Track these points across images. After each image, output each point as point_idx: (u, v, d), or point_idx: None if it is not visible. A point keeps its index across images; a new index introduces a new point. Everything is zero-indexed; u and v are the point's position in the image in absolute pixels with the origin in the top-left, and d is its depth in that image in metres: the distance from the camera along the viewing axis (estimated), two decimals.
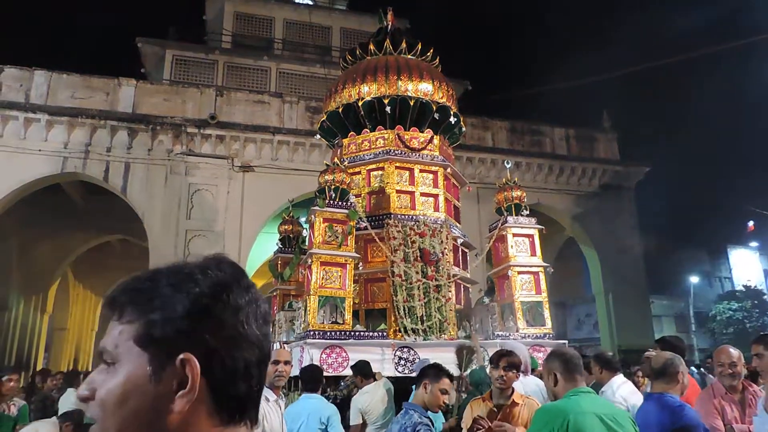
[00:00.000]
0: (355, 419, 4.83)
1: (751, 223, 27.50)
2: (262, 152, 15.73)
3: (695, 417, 3.01)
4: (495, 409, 3.69)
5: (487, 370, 4.20)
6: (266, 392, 3.57)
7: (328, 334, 6.68)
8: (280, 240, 10.09)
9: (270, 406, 3.51)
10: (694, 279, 26.93)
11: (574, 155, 18.72)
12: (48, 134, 14.12)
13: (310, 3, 21.95)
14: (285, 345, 3.91)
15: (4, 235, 16.01)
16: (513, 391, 3.72)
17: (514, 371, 3.75)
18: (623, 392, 3.88)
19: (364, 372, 5.27)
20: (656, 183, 20.38)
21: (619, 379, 4.06)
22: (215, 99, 15.77)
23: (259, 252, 15.69)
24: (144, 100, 15.29)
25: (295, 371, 6.82)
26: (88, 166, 14.38)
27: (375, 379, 5.28)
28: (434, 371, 3.58)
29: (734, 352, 3.73)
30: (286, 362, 3.72)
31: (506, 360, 3.75)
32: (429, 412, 3.49)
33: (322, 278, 7.00)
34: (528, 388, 4.43)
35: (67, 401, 7.16)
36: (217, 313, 0.70)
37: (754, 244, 29.55)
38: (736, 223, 28.23)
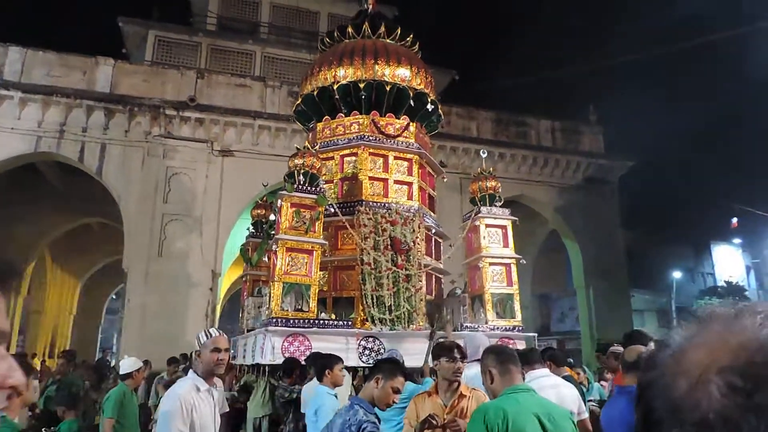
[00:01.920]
0: (304, 408, 4.73)
1: (734, 220, 27.59)
2: (243, 137, 15.47)
3: None
4: (442, 403, 3.57)
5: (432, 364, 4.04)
6: (197, 381, 3.40)
7: (291, 321, 6.54)
8: (252, 224, 9.95)
9: (201, 396, 3.33)
10: (676, 274, 27.05)
11: (559, 148, 18.63)
12: (21, 112, 13.76)
13: None
14: (220, 332, 3.73)
15: None
16: (459, 384, 3.60)
17: (464, 361, 3.65)
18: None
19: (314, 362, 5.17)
20: (640, 178, 20.38)
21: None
22: (195, 81, 15.46)
23: (238, 239, 15.48)
24: (122, 80, 14.96)
25: (258, 359, 6.70)
26: (63, 146, 14.05)
27: None
28: (389, 366, 3.31)
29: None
30: (226, 350, 3.57)
31: (459, 351, 3.63)
32: (376, 409, 3.33)
33: (288, 264, 6.85)
34: None
35: None
36: None
37: (737, 240, 29.73)
38: (720, 220, 28.35)
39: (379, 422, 3.29)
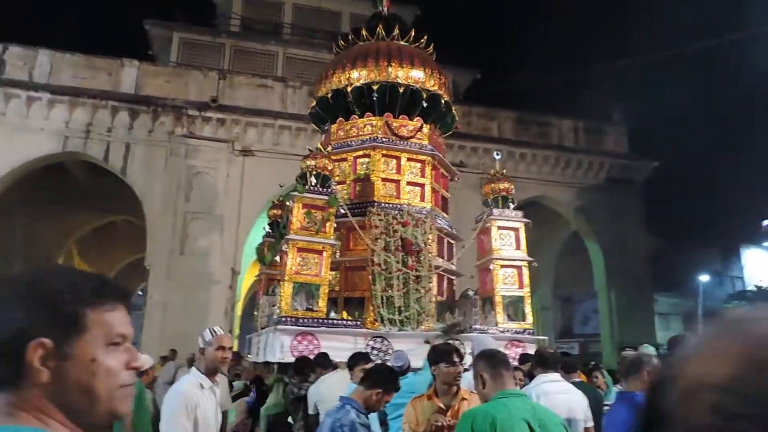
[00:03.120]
0: (310, 409, 4.80)
1: (765, 222, 26.87)
2: (264, 137, 15.68)
3: None
4: (443, 406, 3.57)
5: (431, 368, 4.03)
6: (200, 378, 3.50)
7: (301, 321, 6.63)
8: (269, 224, 10.08)
9: (204, 393, 3.43)
10: (704, 277, 26.45)
11: (582, 147, 18.40)
12: (50, 113, 14.22)
13: None
14: (221, 329, 3.83)
15: (9, 214, 16.21)
16: (459, 388, 3.60)
17: (462, 364, 3.65)
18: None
19: (320, 363, 5.24)
20: (667, 178, 19.98)
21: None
22: (218, 82, 15.72)
23: (259, 237, 15.67)
24: (147, 81, 15.31)
25: (268, 357, 6.81)
26: (89, 146, 14.46)
27: (334, 369, 5.23)
28: (391, 384, 3.37)
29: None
30: (230, 348, 3.69)
31: (458, 354, 3.63)
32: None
33: (299, 264, 6.94)
34: None
35: None
36: None
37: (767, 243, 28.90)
38: (750, 222, 27.63)
39: (369, 428, 3.32)
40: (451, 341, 6.80)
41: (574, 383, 4.81)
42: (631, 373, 3.27)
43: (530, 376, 4.52)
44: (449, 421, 3.44)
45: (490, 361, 2.83)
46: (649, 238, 18.63)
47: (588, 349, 23.13)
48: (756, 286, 26.41)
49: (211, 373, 3.56)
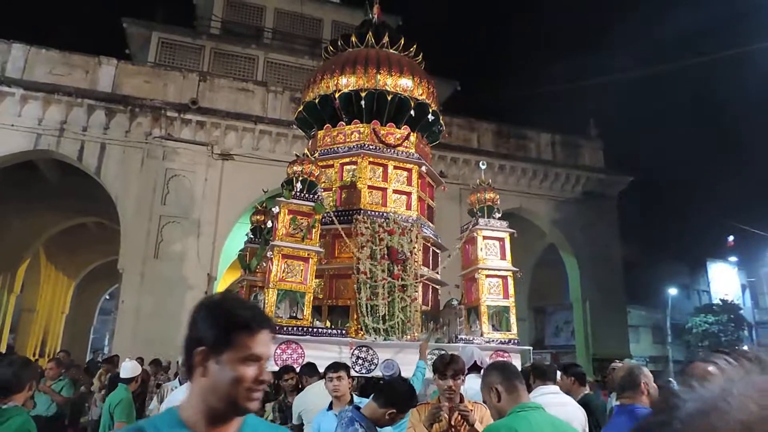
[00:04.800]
0: (294, 419, 4.69)
1: (731, 238, 27.68)
2: (243, 141, 15.46)
3: None
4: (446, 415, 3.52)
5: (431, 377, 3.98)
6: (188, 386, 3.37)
7: (285, 329, 6.50)
8: (251, 230, 9.91)
9: None
10: (672, 291, 27.04)
11: (559, 161, 18.67)
12: (22, 109, 13.75)
13: None
14: None
15: None
16: (461, 397, 3.56)
17: (461, 378, 3.59)
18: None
19: (306, 373, 5.14)
20: (639, 193, 20.44)
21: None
22: (198, 84, 15.47)
23: (235, 243, 15.44)
24: (124, 80, 14.97)
25: None
26: (62, 145, 14.03)
27: (320, 379, 5.13)
28: (407, 403, 3.09)
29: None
30: None
31: (452, 368, 3.57)
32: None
33: (284, 271, 6.82)
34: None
35: None
36: None
37: (733, 258, 29.77)
38: (717, 237, 28.43)
39: None
40: (437, 350, 6.77)
41: (586, 396, 4.79)
42: (627, 386, 3.26)
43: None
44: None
45: (504, 373, 2.76)
46: (622, 250, 18.96)
47: (560, 360, 23.35)
48: (721, 299, 27.13)
49: None
